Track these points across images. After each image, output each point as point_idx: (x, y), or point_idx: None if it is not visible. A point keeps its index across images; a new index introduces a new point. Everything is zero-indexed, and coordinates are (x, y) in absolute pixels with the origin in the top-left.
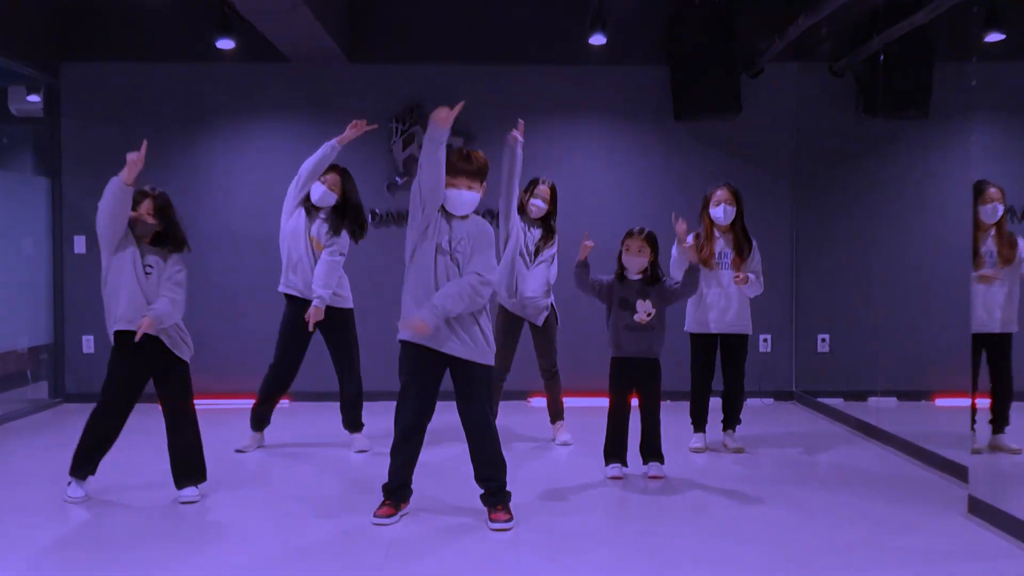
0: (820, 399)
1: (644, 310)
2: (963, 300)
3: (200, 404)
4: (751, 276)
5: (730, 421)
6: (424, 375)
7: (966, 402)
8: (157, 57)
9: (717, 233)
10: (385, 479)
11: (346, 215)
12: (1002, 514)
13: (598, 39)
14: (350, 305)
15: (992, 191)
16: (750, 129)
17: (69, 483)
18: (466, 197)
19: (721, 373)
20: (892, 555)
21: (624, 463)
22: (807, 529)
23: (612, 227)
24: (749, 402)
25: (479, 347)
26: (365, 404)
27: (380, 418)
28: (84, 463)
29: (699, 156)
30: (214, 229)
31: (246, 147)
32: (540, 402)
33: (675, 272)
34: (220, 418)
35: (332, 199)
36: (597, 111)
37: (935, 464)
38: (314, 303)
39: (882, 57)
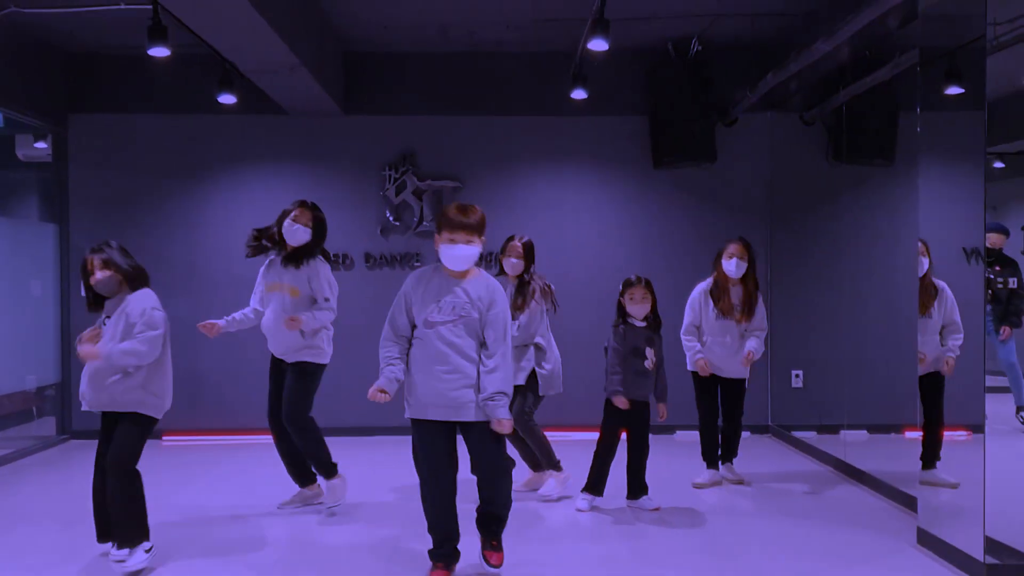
0: (794, 432)
1: (651, 357)
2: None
3: (203, 441)
4: (752, 347)
5: (729, 454)
6: None
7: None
8: (160, 109)
9: (730, 285)
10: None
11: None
12: (945, 544)
13: (579, 94)
14: (323, 361)
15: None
16: (726, 175)
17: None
18: (462, 251)
19: (721, 410)
20: None
21: (599, 494)
22: (774, 561)
23: (594, 271)
24: None
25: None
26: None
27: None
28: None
29: (678, 202)
30: (214, 272)
31: (244, 194)
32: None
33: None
34: (217, 455)
35: (307, 235)
36: (580, 159)
37: (892, 496)
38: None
39: (847, 109)
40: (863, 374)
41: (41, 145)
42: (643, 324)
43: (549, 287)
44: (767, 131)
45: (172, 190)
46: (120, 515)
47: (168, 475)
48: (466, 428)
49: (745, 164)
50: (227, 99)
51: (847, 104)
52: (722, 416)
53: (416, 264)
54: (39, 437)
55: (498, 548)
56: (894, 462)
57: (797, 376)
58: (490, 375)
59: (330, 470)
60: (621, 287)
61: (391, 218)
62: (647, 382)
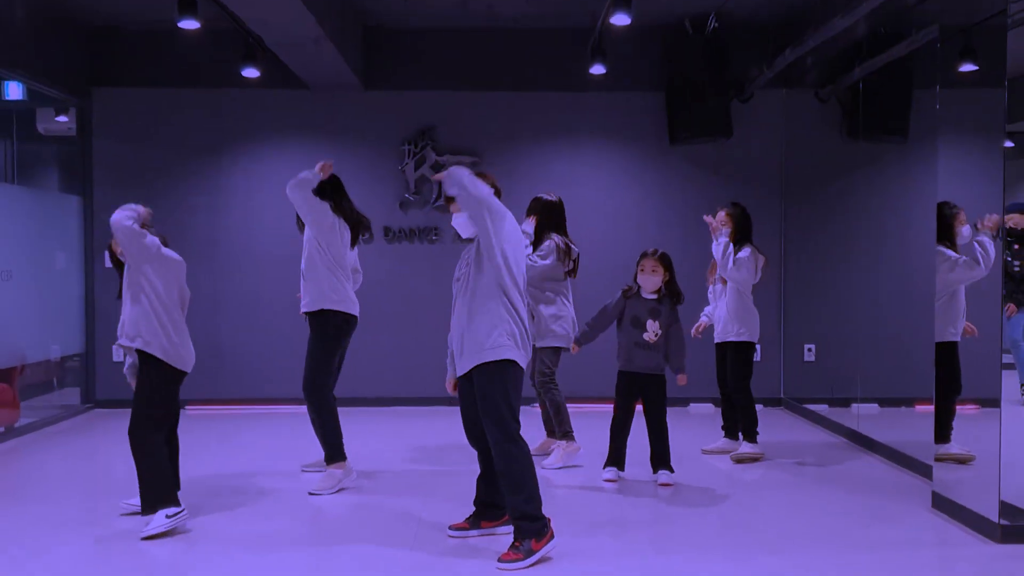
0: (806, 405)
1: (653, 330)
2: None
3: (227, 411)
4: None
5: (736, 427)
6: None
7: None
8: (184, 83)
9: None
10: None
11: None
12: (960, 507)
13: (598, 69)
14: (334, 308)
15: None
16: (741, 152)
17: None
18: (456, 220)
19: None
20: (864, 542)
21: (622, 468)
22: (791, 521)
23: (611, 247)
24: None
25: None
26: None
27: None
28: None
29: (693, 178)
30: (237, 248)
31: (267, 169)
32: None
33: (720, 262)
34: (245, 423)
35: None
36: (597, 135)
37: (906, 465)
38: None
39: (862, 86)
40: (875, 348)
41: (62, 119)
42: (652, 297)
43: (567, 245)
44: (782, 108)
45: (195, 164)
46: (139, 476)
47: (187, 443)
48: None
49: (760, 140)
50: (251, 72)
51: (862, 81)
52: None
53: (434, 238)
54: (64, 406)
55: (515, 547)
56: (907, 433)
57: (809, 350)
58: None
59: (336, 454)
60: (639, 259)
61: (410, 193)
62: (650, 355)
